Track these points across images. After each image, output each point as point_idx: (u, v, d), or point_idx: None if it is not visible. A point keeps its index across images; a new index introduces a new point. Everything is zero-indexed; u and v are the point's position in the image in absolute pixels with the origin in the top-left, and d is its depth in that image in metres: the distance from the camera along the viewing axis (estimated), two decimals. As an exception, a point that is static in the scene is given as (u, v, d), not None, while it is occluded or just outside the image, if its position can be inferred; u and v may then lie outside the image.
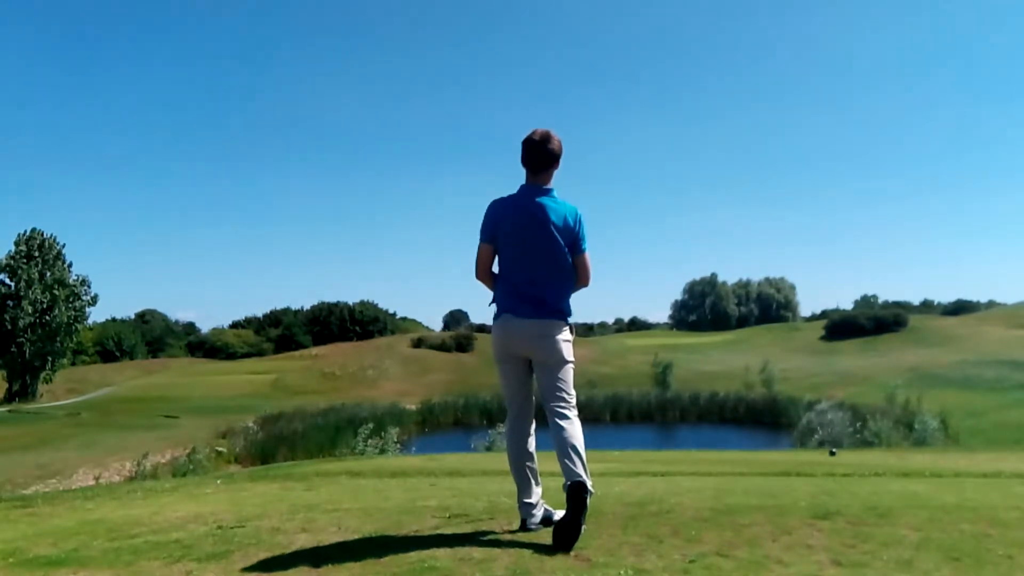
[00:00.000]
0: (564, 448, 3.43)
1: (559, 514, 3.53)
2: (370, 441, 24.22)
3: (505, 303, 3.68)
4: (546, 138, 3.63)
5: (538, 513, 3.64)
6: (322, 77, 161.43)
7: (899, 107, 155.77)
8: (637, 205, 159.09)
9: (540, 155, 3.63)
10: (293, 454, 30.55)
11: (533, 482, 3.67)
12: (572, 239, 3.63)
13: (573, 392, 3.64)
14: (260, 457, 31.59)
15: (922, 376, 50.38)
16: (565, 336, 3.65)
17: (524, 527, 3.61)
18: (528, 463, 3.68)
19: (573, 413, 3.58)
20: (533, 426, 3.76)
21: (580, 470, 3.36)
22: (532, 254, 3.61)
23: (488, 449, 23.20)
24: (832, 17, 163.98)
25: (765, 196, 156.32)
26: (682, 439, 40.38)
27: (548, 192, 3.66)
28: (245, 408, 44.23)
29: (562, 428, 3.50)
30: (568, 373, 3.64)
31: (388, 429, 25.16)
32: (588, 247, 3.70)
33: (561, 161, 3.70)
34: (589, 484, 3.35)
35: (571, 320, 3.71)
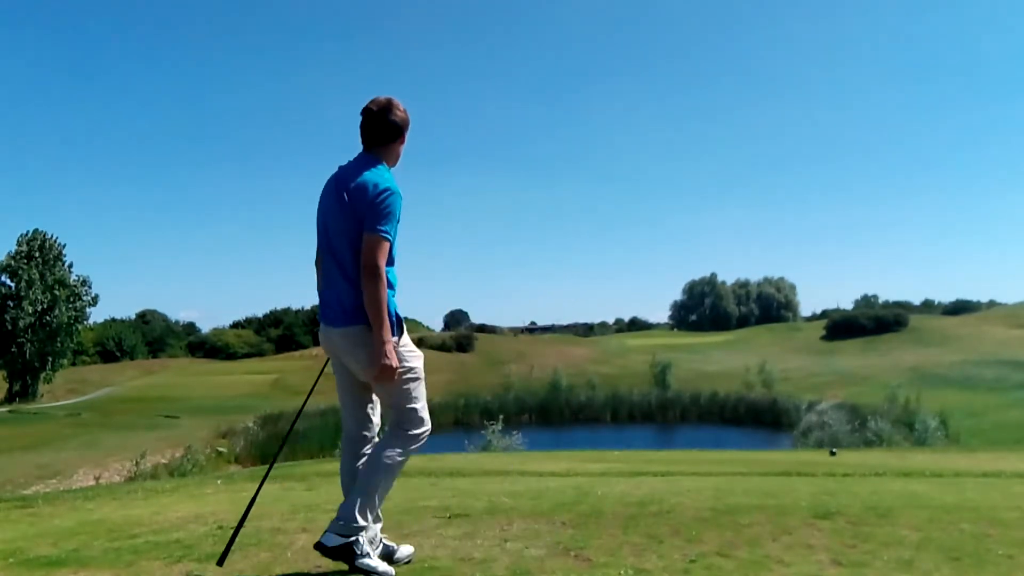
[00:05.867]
0: (361, 472, 2.96)
1: (403, 551, 3.09)
2: None
3: (320, 306, 3.12)
4: (387, 107, 3.04)
5: (372, 552, 2.93)
6: (322, 77, 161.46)
7: (900, 107, 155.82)
8: (637, 205, 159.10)
9: (373, 126, 3.03)
10: (293, 454, 30.54)
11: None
12: (364, 212, 2.86)
13: (411, 407, 3.01)
14: (260, 457, 31.60)
15: (922, 376, 50.37)
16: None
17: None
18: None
19: (403, 439, 2.98)
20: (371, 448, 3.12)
21: (342, 520, 2.83)
22: (329, 239, 3.01)
23: (484, 449, 23.20)
24: (832, 17, 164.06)
25: (765, 196, 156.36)
26: (682, 439, 40.35)
27: (368, 161, 3.01)
28: (245, 408, 44.22)
29: (369, 454, 3.02)
30: (400, 389, 2.98)
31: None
32: (389, 232, 2.87)
33: (407, 136, 3.12)
34: (353, 542, 2.79)
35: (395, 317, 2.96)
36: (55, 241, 53.32)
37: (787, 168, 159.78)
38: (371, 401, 3.16)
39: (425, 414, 3.06)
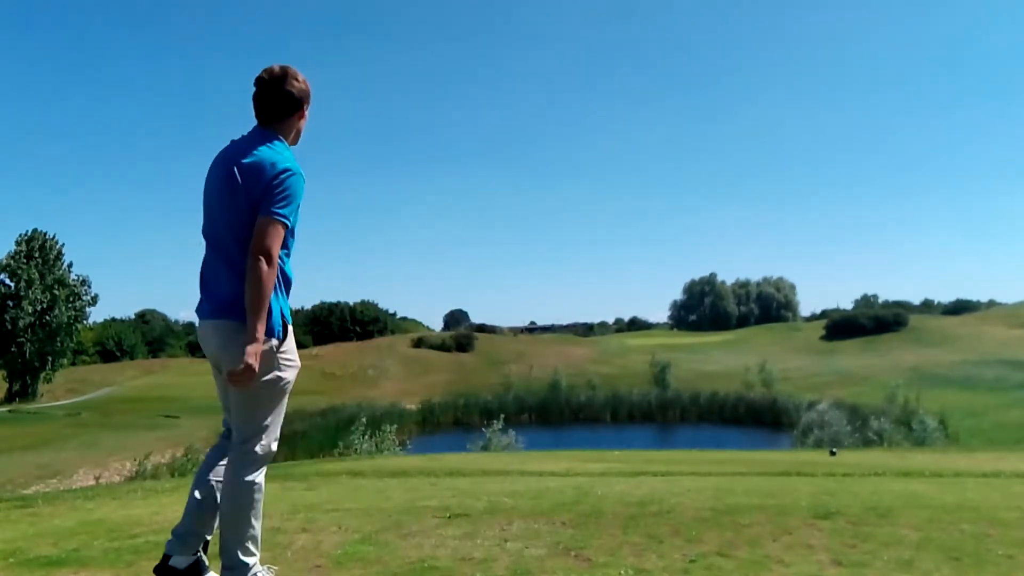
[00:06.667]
0: (222, 511, 2.65)
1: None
2: (366, 438, 24.16)
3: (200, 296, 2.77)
4: (282, 77, 2.70)
5: (185, 560, 2.69)
6: (321, 75, 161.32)
7: (899, 107, 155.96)
8: (637, 205, 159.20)
9: (266, 98, 2.70)
10: (293, 454, 30.55)
11: (207, 515, 2.71)
12: (260, 195, 2.53)
13: (265, 424, 2.67)
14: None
15: (922, 376, 50.39)
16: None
17: (164, 562, 2.68)
18: (206, 494, 2.72)
19: (247, 460, 2.64)
20: None
21: (230, 569, 2.59)
22: (215, 222, 2.67)
23: (484, 449, 23.22)
24: (832, 17, 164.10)
25: (765, 196, 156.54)
26: (682, 439, 40.38)
27: (264, 136, 2.68)
28: (245, 408, 44.17)
29: (225, 480, 2.66)
30: (260, 399, 2.63)
31: (385, 427, 25.08)
32: (288, 216, 2.55)
33: (308, 110, 2.79)
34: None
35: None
36: (55, 241, 53.32)
37: (787, 168, 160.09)
38: None
39: (276, 435, 2.71)
